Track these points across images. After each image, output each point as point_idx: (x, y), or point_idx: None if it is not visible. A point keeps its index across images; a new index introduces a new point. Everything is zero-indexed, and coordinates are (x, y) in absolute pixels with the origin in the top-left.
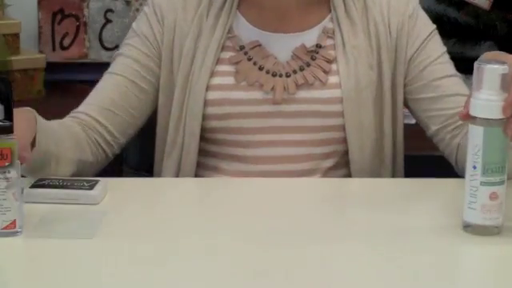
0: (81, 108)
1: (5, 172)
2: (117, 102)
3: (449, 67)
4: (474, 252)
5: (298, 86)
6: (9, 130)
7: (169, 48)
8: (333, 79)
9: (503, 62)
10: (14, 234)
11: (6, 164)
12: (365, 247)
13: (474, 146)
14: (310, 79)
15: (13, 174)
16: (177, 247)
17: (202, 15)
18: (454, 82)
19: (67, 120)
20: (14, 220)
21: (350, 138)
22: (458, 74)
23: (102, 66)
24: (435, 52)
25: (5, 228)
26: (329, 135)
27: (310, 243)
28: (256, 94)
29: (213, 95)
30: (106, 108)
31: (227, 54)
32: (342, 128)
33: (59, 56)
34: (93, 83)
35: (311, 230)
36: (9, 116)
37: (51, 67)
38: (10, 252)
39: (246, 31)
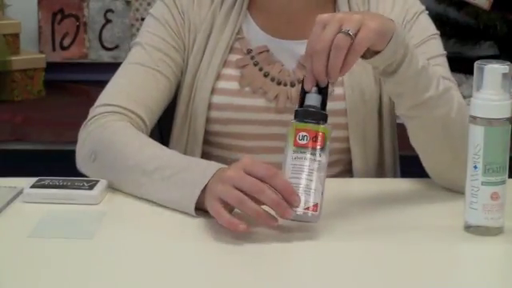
0: (124, 103)
1: (316, 154)
2: (157, 99)
3: (438, 69)
4: (476, 252)
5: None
6: (325, 118)
7: (187, 42)
8: (337, 90)
9: (504, 62)
10: (315, 217)
11: (318, 147)
12: (365, 247)
13: (475, 145)
14: None
15: (323, 158)
16: (177, 247)
17: (215, 12)
18: None
19: (132, 128)
20: (317, 203)
21: (354, 149)
22: (451, 77)
23: (102, 66)
24: (426, 54)
25: (307, 209)
26: (332, 145)
27: (309, 242)
28: (259, 102)
29: (217, 99)
30: (149, 106)
31: (234, 57)
32: (346, 139)
33: (59, 56)
34: (93, 83)
35: (310, 229)
36: (324, 107)
37: (51, 67)
38: (11, 252)
39: (255, 35)
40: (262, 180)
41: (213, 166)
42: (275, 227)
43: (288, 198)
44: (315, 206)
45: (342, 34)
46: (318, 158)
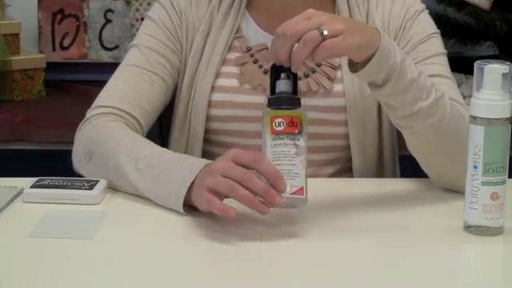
0: (118, 104)
1: (294, 139)
2: (152, 101)
3: (438, 68)
4: (476, 252)
5: (301, 94)
6: (298, 103)
7: (185, 43)
8: (337, 87)
9: (504, 62)
10: (301, 201)
11: (296, 131)
12: (365, 247)
13: (475, 145)
14: (314, 86)
15: (301, 142)
16: (177, 247)
17: (213, 12)
18: (438, 82)
19: (126, 128)
20: (302, 187)
21: (354, 146)
22: (451, 77)
23: (102, 66)
24: (426, 53)
25: (293, 193)
26: (332, 142)
27: (306, 242)
28: (259, 98)
29: (217, 97)
30: (143, 107)
31: (233, 55)
32: (346, 136)
33: (59, 56)
34: (93, 83)
35: (308, 228)
36: (295, 91)
37: (51, 67)
38: (11, 252)
39: (254, 33)
40: (248, 166)
41: (200, 162)
42: (267, 214)
43: (274, 182)
44: (301, 189)
45: (316, 31)
46: (296, 142)
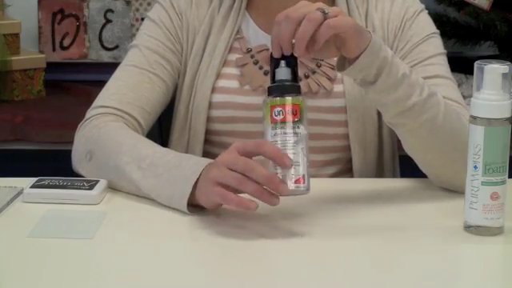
0: (118, 104)
1: (294, 127)
2: (151, 101)
3: (437, 68)
4: (476, 252)
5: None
6: (297, 90)
7: (185, 44)
8: (337, 88)
9: (504, 62)
10: (302, 190)
11: (295, 119)
12: (365, 246)
13: (475, 145)
14: (314, 87)
15: (301, 129)
16: (177, 247)
17: (213, 13)
18: (437, 82)
19: (126, 128)
20: (303, 175)
21: (354, 147)
22: (451, 77)
23: (102, 66)
24: (426, 53)
25: (294, 182)
26: (332, 143)
27: (306, 241)
28: (259, 100)
29: (217, 98)
30: (143, 108)
31: (234, 56)
32: (346, 136)
33: (59, 56)
34: (93, 83)
35: (309, 227)
36: (295, 78)
37: (51, 67)
38: (11, 252)
39: (255, 34)
40: (253, 152)
41: (203, 162)
42: (277, 204)
43: (280, 161)
44: (302, 178)
45: (318, 11)
46: (296, 130)
